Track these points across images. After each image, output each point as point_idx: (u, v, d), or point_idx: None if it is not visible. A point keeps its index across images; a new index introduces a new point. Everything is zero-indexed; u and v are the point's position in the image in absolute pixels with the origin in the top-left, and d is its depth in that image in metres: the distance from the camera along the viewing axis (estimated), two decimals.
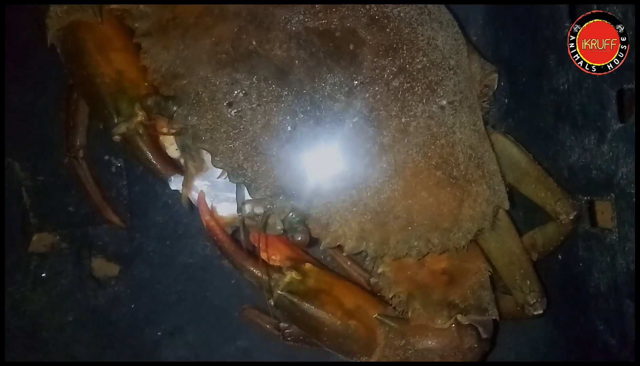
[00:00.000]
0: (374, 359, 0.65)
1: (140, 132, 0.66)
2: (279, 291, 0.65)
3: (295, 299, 0.64)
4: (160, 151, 0.68)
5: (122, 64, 0.68)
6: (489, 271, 0.69)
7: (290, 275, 0.65)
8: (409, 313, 0.65)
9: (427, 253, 0.65)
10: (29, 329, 0.82)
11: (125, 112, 0.66)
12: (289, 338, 0.75)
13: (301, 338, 0.75)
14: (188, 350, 0.84)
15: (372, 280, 0.72)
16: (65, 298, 0.83)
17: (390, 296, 0.67)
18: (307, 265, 0.68)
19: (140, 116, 0.66)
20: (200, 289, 0.84)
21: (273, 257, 0.69)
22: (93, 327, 0.83)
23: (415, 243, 0.63)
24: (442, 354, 0.64)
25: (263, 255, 0.67)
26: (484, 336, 0.65)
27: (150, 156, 0.66)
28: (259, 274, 0.65)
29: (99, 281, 0.84)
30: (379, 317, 0.66)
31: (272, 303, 0.65)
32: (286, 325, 0.75)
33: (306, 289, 0.66)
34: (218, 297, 0.84)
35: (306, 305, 0.64)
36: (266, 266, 0.66)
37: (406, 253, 0.64)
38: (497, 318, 0.67)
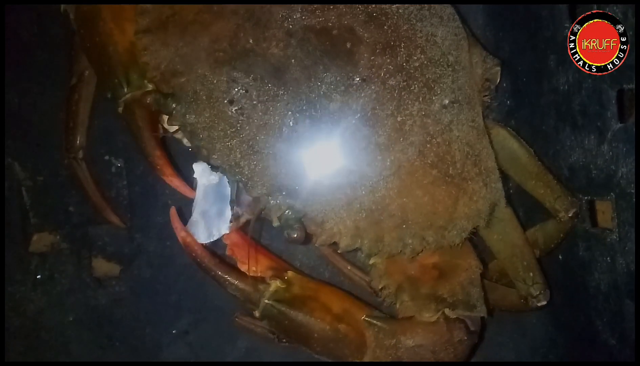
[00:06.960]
0: (366, 360, 0.64)
1: (146, 101, 0.64)
2: (265, 301, 0.64)
3: (283, 308, 0.64)
4: (156, 128, 0.66)
5: None
6: (480, 269, 0.69)
7: (275, 284, 0.65)
8: (397, 305, 0.65)
9: (422, 251, 0.65)
10: (29, 329, 0.82)
11: (135, 83, 0.65)
12: (284, 341, 0.74)
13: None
14: (188, 350, 0.84)
15: (373, 283, 0.71)
16: (65, 298, 0.83)
17: (380, 288, 0.67)
18: (290, 273, 0.67)
19: (150, 88, 0.65)
20: (201, 290, 0.84)
21: (253, 269, 0.67)
22: (93, 327, 0.83)
23: (410, 241, 0.63)
24: (433, 349, 0.63)
25: (243, 267, 0.66)
26: (472, 328, 0.65)
27: (144, 133, 0.64)
28: (244, 286, 0.64)
29: (99, 281, 0.84)
30: (367, 319, 0.65)
31: (258, 315, 0.65)
32: None
33: (292, 297, 0.65)
34: (218, 297, 0.83)
35: (294, 313, 0.64)
36: (250, 277, 0.65)
37: (400, 251, 0.64)
38: (485, 316, 0.67)
